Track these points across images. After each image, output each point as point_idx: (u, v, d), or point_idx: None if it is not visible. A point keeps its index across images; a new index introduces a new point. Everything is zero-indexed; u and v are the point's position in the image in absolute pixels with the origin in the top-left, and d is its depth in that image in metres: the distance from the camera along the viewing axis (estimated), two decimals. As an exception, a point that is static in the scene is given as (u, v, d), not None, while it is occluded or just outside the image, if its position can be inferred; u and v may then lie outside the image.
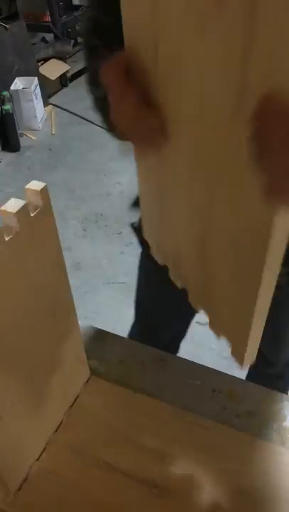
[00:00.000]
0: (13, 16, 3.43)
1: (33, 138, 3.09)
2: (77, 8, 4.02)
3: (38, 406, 0.63)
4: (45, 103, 3.38)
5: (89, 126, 3.13)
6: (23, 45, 3.23)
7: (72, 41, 3.79)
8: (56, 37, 3.72)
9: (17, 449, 0.60)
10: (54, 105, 3.48)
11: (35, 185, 0.48)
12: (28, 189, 0.48)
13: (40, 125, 3.18)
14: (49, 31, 3.73)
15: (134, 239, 0.88)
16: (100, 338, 0.84)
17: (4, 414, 0.55)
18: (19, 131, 2.99)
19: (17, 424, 0.58)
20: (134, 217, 0.82)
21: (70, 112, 3.37)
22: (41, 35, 3.80)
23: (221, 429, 0.67)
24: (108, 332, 0.85)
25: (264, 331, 0.99)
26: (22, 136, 3.06)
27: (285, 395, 0.72)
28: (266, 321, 0.95)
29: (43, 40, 3.80)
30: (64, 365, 0.66)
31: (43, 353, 0.60)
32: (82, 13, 3.95)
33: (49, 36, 3.80)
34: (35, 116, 3.11)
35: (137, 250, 0.94)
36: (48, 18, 3.71)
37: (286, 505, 0.59)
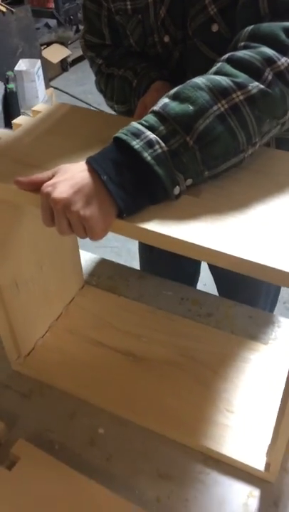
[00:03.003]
0: (19, 1, 3.57)
1: (34, 117, 3.26)
2: (79, -4, 4.18)
3: (44, 294, 0.81)
4: (47, 86, 3.54)
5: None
6: (27, 28, 3.38)
7: (74, 27, 3.96)
8: (59, 23, 3.88)
9: (28, 322, 0.79)
10: (55, 88, 3.64)
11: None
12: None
13: (41, 105, 3.34)
14: (52, 17, 3.89)
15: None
16: (92, 260, 1.02)
17: (21, 286, 0.73)
18: (22, 110, 3.16)
19: (29, 300, 0.77)
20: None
21: (69, 95, 3.54)
22: (45, 20, 3.95)
23: (185, 322, 0.86)
24: (99, 257, 1.03)
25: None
26: (24, 114, 3.22)
27: (236, 303, 0.91)
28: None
29: (46, 25, 3.95)
30: (65, 265, 0.85)
31: (50, 250, 0.79)
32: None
33: (52, 22, 3.96)
34: (37, 97, 3.27)
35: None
36: (52, 5, 3.87)
37: (232, 368, 0.78)
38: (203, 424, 0.70)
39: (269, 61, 0.52)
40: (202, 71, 0.56)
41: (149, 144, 0.50)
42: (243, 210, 0.52)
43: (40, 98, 3.32)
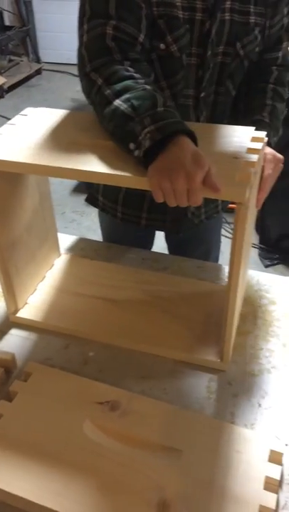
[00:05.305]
0: None
1: (-23, 141, 3.40)
2: (9, 28, 4.40)
3: (32, 258, 0.99)
4: (-15, 112, 3.70)
5: (27, 130, 3.48)
6: None
7: (8, 57, 4.15)
8: (-8, 53, 4.06)
9: (21, 281, 0.97)
10: (-7, 113, 3.80)
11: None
12: None
13: (-18, 130, 3.49)
14: (-15, 48, 4.07)
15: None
16: (66, 238, 1.21)
17: (16, 246, 0.91)
18: None
19: (21, 261, 0.95)
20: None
21: (8, 119, 3.70)
22: (-22, 51, 4.12)
23: (148, 273, 1.07)
24: (71, 235, 1.23)
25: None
26: None
27: (186, 258, 1.13)
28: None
29: (-20, 55, 4.13)
30: (47, 235, 1.03)
31: (34, 221, 0.97)
32: (15, 33, 4.32)
33: (-15, 52, 4.13)
34: (-22, 122, 3.42)
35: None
36: (-16, 36, 4.05)
37: (188, 299, 0.99)
38: (171, 338, 0.91)
39: None
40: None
41: None
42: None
43: (-20, 123, 3.46)
